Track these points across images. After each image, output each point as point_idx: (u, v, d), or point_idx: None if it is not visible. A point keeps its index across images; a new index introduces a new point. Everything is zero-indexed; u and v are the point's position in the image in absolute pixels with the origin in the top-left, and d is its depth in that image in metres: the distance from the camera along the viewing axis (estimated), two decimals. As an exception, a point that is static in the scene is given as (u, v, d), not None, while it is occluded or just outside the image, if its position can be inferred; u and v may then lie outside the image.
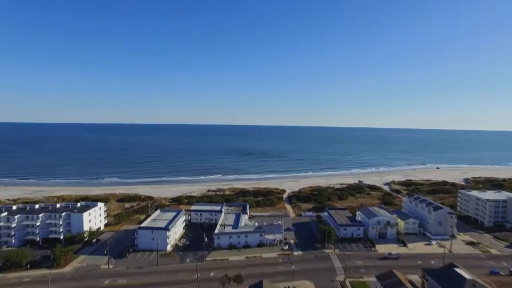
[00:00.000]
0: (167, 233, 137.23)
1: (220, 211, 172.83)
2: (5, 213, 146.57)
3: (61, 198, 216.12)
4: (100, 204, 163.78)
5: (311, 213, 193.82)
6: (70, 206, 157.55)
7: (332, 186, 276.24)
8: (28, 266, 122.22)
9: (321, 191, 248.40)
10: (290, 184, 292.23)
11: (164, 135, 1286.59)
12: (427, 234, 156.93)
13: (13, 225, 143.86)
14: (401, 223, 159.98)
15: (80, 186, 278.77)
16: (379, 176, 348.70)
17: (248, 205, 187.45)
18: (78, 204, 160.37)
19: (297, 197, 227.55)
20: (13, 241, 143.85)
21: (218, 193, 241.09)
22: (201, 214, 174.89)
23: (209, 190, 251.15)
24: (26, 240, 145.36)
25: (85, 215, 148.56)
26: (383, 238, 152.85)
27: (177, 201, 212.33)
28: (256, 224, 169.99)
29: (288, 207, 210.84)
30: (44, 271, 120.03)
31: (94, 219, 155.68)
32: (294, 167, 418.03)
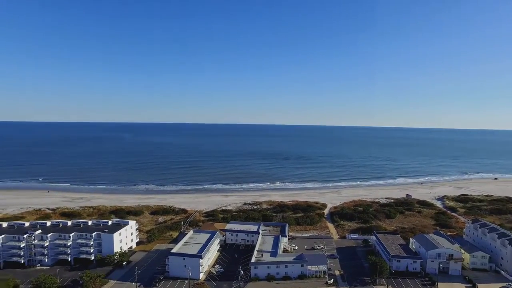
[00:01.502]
0: (200, 261, 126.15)
1: (257, 232, 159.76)
2: (39, 231, 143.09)
3: (96, 209, 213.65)
4: (132, 223, 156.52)
5: (356, 236, 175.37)
6: (101, 225, 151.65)
7: (377, 200, 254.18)
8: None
9: (365, 207, 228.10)
10: (330, 196, 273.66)
11: (197, 136, 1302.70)
12: (502, 272, 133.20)
13: (46, 244, 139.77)
14: (467, 257, 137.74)
15: (116, 193, 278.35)
16: (428, 187, 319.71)
17: (287, 226, 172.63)
18: (110, 222, 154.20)
19: (339, 214, 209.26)
20: (46, 260, 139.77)
21: (255, 207, 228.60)
22: (236, 235, 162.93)
23: (245, 203, 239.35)
24: (59, 259, 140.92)
25: (116, 235, 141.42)
26: (444, 274, 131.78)
27: (211, 217, 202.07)
28: (296, 247, 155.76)
29: (330, 226, 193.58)
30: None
31: (125, 238, 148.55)
32: (334, 175, 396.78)
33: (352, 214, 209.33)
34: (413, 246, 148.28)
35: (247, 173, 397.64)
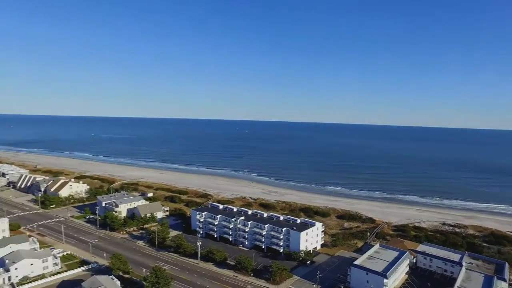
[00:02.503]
0: (384, 281, 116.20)
1: (460, 264, 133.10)
2: (242, 218, 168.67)
3: (288, 204, 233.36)
4: (318, 225, 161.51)
5: None
6: (291, 221, 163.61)
7: None
8: (251, 274, 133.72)
9: None
10: None
11: (396, 139, 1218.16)
12: None
13: (247, 230, 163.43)
14: None
15: (306, 192, 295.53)
16: None
17: (507, 266, 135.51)
18: (298, 220, 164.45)
19: None
20: (246, 243, 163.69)
21: (457, 230, 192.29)
22: (431, 260, 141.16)
23: (443, 223, 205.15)
24: (255, 245, 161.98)
25: (303, 234, 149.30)
26: None
27: (401, 232, 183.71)
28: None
29: None
30: (262, 283, 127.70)
31: (311, 238, 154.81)
32: None
33: None
34: None
35: (450, 186, 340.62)
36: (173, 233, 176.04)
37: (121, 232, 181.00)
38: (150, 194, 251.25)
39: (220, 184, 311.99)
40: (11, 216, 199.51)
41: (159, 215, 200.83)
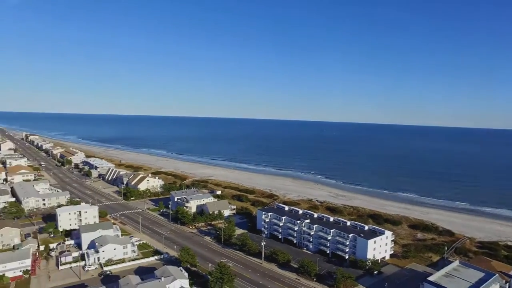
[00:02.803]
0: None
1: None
2: (308, 221, 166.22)
3: (356, 210, 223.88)
4: (388, 233, 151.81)
5: None
6: (358, 228, 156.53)
7: None
8: (314, 279, 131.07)
9: None
10: None
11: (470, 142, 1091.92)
12: None
13: (312, 233, 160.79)
14: None
15: (376, 197, 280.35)
16: None
17: None
18: (366, 227, 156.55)
19: None
20: (310, 246, 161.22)
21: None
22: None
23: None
24: (319, 249, 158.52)
25: (370, 242, 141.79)
26: None
27: (488, 250, 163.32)
28: None
29: None
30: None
31: (379, 247, 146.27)
32: None
33: None
34: None
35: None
36: (238, 231, 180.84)
37: (191, 227, 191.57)
38: (218, 192, 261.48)
39: (286, 185, 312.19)
40: (100, 204, 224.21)
41: (226, 212, 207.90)
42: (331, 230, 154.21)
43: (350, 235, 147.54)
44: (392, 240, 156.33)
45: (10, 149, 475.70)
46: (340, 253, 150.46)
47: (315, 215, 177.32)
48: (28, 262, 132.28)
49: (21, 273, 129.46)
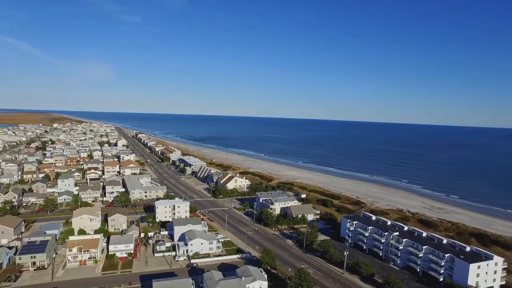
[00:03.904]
0: None
1: None
2: (396, 233, 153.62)
3: (455, 226, 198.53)
4: (498, 259, 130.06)
5: None
6: (457, 247, 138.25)
7: None
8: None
9: None
10: None
11: None
12: None
13: (400, 247, 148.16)
14: None
15: (481, 213, 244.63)
16: None
17: None
18: (468, 248, 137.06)
19: None
20: (398, 262, 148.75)
21: None
22: None
23: None
24: (408, 265, 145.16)
25: (473, 267, 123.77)
26: None
27: None
28: None
29: None
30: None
31: (484, 274, 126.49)
32: None
33: None
34: None
35: None
36: (321, 237, 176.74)
37: (273, 229, 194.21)
38: (303, 195, 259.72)
39: (374, 192, 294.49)
40: (191, 200, 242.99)
41: (310, 217, 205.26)
42: (424, 247, 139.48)
43: (447, 255, 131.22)
44: (504, 268, 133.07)
45: (123, 146, 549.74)
46: (433, 273, 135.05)
47: (405, 228, 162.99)
48: (131, 246, 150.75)
49: (126, 255, 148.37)
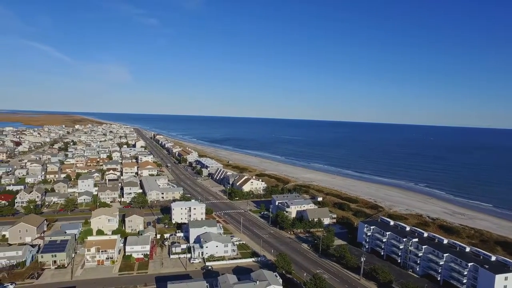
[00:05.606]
0: None
1: None
2: (416, 240, 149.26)
3: (478, 233, 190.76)
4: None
5: None
6: (481, 256, 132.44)
7: None
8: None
9: None
10: None
11: None
12: None
13: (420, 254, 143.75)
14: None
15: (508, 220, 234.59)
16: None
17: None
18: (493, 257, 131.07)
19: None
20: (417, 269, 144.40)
21: None
22: None
23: None
24: (428, 273, 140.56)
25: (499, 278, 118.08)
26: None
27: None
28: None
29: None
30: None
31: None
32: None
33: None
34: None
35: None
36: (337, 241, 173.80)
37: (289, 232, 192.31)
38: (320, 199, 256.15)
39: (393, 196, 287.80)
40: (207, 202, 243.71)
41: (326, 221, 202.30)
42: (445, 255, 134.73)
43: (470, 264, 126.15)
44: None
45: (142, 147, 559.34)
46: (454, 282, 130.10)
47: (425, 234, 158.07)
48: (147, 248, 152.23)
49: (142, 256, 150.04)
